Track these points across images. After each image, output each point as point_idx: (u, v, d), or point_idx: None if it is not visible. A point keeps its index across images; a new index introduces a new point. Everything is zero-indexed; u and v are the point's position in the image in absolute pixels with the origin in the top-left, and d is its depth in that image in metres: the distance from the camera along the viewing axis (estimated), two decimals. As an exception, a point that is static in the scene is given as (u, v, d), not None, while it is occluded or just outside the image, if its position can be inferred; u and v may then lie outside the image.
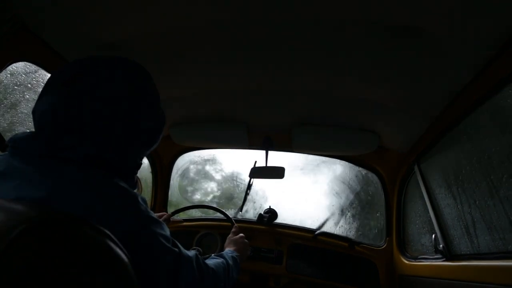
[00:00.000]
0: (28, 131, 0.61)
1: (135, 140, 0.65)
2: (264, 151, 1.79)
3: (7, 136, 0.93)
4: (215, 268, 0.79)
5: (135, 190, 0.62)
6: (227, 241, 1.28)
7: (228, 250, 1.12)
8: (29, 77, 1.10)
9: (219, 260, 0.90)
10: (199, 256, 0.73)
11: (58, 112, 0.58)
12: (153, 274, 0.56)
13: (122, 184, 0.57)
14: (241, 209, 2.01)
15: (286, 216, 1.95)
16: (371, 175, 1.85)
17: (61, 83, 0.59)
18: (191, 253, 0.70)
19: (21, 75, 1.08)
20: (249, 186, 1.94)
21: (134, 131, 0.64)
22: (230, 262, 0.94)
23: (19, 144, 0.57)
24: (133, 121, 0.63)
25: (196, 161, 2.30)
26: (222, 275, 0.82)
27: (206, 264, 0.75)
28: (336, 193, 2.17)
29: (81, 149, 0.56)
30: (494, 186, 0.94)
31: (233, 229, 1.37)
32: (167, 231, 0.62)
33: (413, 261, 1.48)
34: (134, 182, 0.67)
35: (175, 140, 1.82)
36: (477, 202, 1.03)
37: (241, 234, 1.31)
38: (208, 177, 2.40)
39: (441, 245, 1.22)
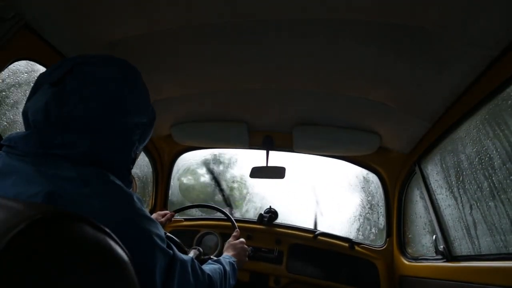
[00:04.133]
0: (23, 131, 0.62)
1: (129, 135, 0.66)
2: (265, 151, 1.79)
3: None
4: (211, 274, 0.78)
5: (130, 189, 0.62)
6: (226, 244, 1.27)
7: (226, 255, 1.11)
8: (31, 75, 1.10)
9: (216, 266, 0.89)
10: (195, 260, 0.72)
11: (51, 110, 0.58)
12: (147, 274, 0.56)
13: (118, 182, 0.58)
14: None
15: (286, 216, 1.95)
16: (372, 176, 1.85)
17: (53, 82, 0.60)
18: (187, 257, 0.69)
19: (22, 74, 1.08)
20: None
21: (128, 126, 0.65)
22: (228, 268, 0.93)
23: (15, 143, 0.57)
24: (126, 117, 0.64)
25: (196, 161, 2.30)
26: (219, 282, 0.81)
27: (202, 270, 0.74)
28: (336, 193, 2.17)
29: (75, 147, 0.57)
30: (495, 187, 0.94)
31: (234, 233, 1.36)
32: (162, 232, 0.62)
33: (413, 262, 1.48)
34: (130, 180, 0.67)
35: (176, 140, 1.83)
36: (478, 203, 1.02)
37: (242, 239, 1.30)
38: (207, 176, 2.40)
39: (441, 246, 1.21)
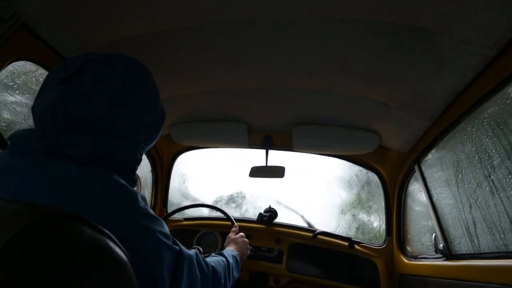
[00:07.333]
0: (28, 128, 0.61)
1: (134, 136, 0.65)
2: (264, 151, 1.79)
3: (7, 136, 0.93)
4: (215, 266, 0.79)
5: (134, 188, 0.62)
6: (227, 240, 1.29)
7: (229, 249, 1.12)
8: (29, 76, 1.10)
9: (220, 258, 0.91)
10: (199, 254, 0.73)
11: (57, 109, 0.58)
12: (153, 271, 0.56)
13: (122, 181, 0.57)
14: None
15: (286, 215, 1.96)
16: (372, 175, 1.85)
17: (60, 80, 0.59)
18: (192, 251, 0.70)
19: (20, 74, 1.07)
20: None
21: (134, 127, 0.64)
22: (231, 260, 0.94)
23: (20, 141, 0.57)
24: (132, 117, 0.63)
25: (195, 161, 2.30)
26: (223, 273, 0.83)
27: (207, 262, 0.75)
28: (336, 192, 2.18)
29: (80, 146, 0.56)
30: (495, 185, 0.94)
31: (233, 228, 1.38)
32: (167, 229, 0.62)
33: (413, 261, 1.48)
34: (134, 179, 0.67)
35: (175, 139, 1.83)
36: (477, 201, 1.02)
37: (241, 233, 1.32)
38: (206, 176, 2.40)
39: (441, 245, 1.22)
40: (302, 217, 2.05)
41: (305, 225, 1.98)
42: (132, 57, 0.68)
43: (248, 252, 1.27)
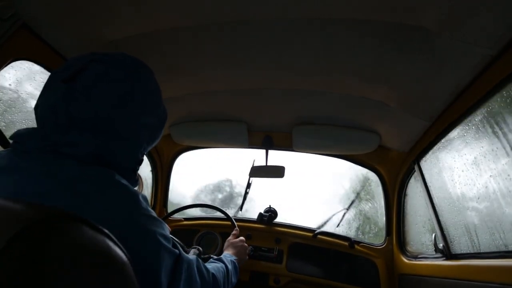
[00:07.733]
0: (31, 127, 0.61)
1: (136, 136, 0.65)
2: (264, 150, 1.79)
3: (7, 135, 0.93)
4: (215, 272, 0.79)
5: (136, 188, 0.62)
6: (226, 243, 1.28)
7: (227, 254, 1.12)
8: (29, 75, 1.10)
9: (219, 264, 0.91)
10: (199, 259, 0.73)
11: (58, 109, 0.58)
12: (152, 274, 0.56)
13: (123, 181, 0.57)
14: (241, 208, 2.01)
15: (286, 215, 1.96)
16: (372, 175, 1.85)
17: (62, 80, 0.59)
18: (192, 256, 0.70)
19: (20, 74, 1.07)
20: (249, 185, 1.93)
21: (135, 127, 0.64)
22: (230, 266, 0.94)
23: (22, 140, 0.57)
24: (134, 117, 0.63)
25: (195, 160, 2.30)
26: (222, 280, 0.83)
27: (207, 268, 0.75)
28: (336, 192, 2.18)
29: (80, 147, 0.56)
30: (494, 185, 0.94)
31: (233, 232, 1.37)
32: (167, 231, 0.62)
33: (413, 260, 1.48)
34: (136, 179, 0.67)
35: (175, 139, 1.83)
36: (477, 201, 1.03)
37: (241, 238, 1.31)
38: (207, 175, 2.40)
39: (441, 244, 1.22)
40: (302, 216, 2.06)
41: (305, 224, 1.98)
42: (135, 57, 0.68)
43: (247, 257, 1.27)
